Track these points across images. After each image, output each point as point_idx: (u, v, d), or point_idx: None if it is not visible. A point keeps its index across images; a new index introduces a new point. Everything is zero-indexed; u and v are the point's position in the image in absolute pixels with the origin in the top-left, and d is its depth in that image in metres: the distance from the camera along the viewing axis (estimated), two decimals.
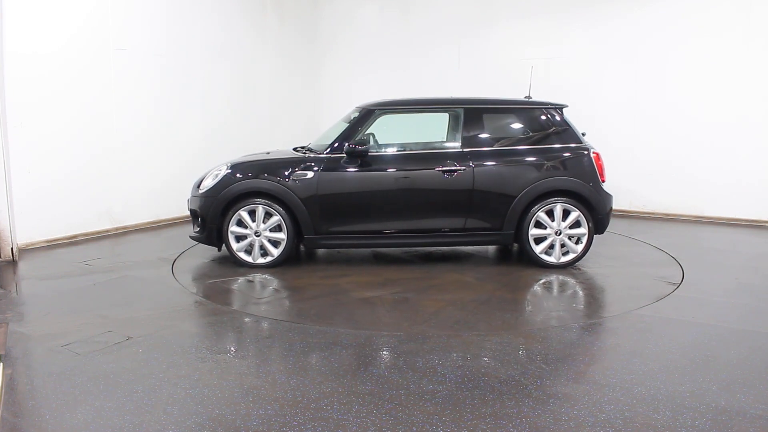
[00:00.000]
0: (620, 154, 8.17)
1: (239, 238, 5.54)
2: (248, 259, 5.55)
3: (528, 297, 4.83)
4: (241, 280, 5.24)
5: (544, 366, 3.41)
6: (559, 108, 5.70)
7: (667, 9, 7.97)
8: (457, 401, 2.97)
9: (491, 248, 6.43)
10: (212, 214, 5.48)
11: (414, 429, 2.71)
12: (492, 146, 5.59)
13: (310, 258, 6.13)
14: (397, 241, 5.66)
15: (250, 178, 5.48)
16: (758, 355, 3.55)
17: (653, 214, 8.35)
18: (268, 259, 5.54)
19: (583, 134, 5.80)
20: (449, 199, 5.47)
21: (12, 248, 5.75)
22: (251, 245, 5.54)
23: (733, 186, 7.77)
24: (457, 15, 9.39)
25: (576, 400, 3.02)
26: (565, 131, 5.62)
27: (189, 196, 5.90)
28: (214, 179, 5.59)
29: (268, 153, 6.19)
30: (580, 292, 4.98)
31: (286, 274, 5.42)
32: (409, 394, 3.04)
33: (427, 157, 5.63)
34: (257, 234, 5.50)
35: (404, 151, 5.90)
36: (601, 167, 5.55)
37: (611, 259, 5.92)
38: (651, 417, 2.81)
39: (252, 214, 5.48)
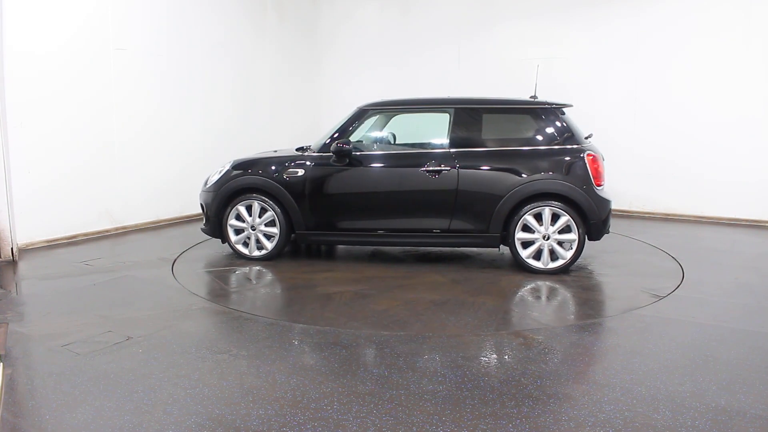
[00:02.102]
0: (621, 154, 8.16)
1: (238, 231, 5.82)
2: (245, 251, 5.83)
3: (487, 301, 4.60)
4: (226, 269, 5.44)
5: (544, 366, 3.41)
6: (556, 108, 5.51)
7: (668, 9, 7.97)
8: (457, 401, 2.97)
9: (505, 250, 6.33)
10: (215, 208, 5.80)
11: (414, 429, 2.71)
12: (480, 147, 5.49)
13: (311, 253, 6.23)
14: (383, 240, 5.71)
15: (246, 175, 5.78)
16: (758, 355, 3.55)
17: (653, 213, 8.35)
18: (263, 252, 5.77)
19: (590, 135, 5.68)
20: (434, 200, 5.44)
21: (12, 248, 5.75)
22: (248, 238, 5.80)
23: (733, 186, 7.77)
24: (457, 15, 9.39)
25: (576, 400, 3.02)
26: (560, 132, 5.40)
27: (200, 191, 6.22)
28: (217, 175, 5.92)
29: (275, 151, 6.36)
30: (548, 300, 4.79)
31: (275, 267, 5.64)
32: (409, 394, 3.04)
33: (413, 157, 5.62)
34: (253, 228, 5.77)
35: (391, 150, 5.93)
36: (596, 170, 5.28)
37: (605, 265, 5.75)
38: (651, 417, 2.81)
39: (249, 209, 5.75)
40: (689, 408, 2.89)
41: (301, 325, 4.09)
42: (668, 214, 8.25)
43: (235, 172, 5.80)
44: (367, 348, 3.67)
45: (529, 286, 5.07)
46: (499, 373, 3.31)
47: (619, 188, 7.63)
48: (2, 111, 5.74)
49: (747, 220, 7.72)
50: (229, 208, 5.77)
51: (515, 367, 3.40)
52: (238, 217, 5.78)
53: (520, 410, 2.88)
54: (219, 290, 5.01)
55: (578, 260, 5.75)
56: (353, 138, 5.77)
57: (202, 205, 6.02)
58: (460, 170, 5.37)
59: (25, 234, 6.17)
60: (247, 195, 5.74)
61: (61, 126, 6.51)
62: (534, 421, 2.78)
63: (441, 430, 2.70)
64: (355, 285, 5.08)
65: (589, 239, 5.38)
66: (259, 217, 5.73)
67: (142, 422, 2.75)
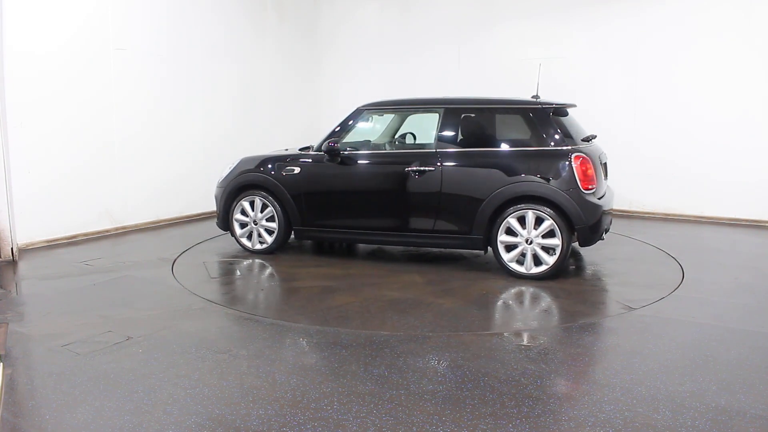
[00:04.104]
0: (621, 154, 8.13)
1: (243, 225, 6.12)
2: (248, 244, 6.13)
3: (445, 303, 4.53)
4: (223, 260, 5.84)
5: (544, 366, 3.41)
6: (547, 108, 5.26)
7: (668, 9, 7.96)
8: (457, 401, 2.97)
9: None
10: (223, 203, 6.16)
11: (414, 429, 2.71)
12: (466, 147, 5.42)
13: (320, 248, 6.49)
14: (372, 238, 5.80)
15: (248, 172, 6.05)
16: (758, 355, 3.55)
17: (653, 213, 8.34)
18: (264, 246, 6.04)
19: (592, 137, 5.54)
20: (418, 200, 5.44)
21: (12, 248, 5.75)
22: (251, 232, 6.08)
23: (733, 186, 7.76)
24: (457, 15, 9.38)
25: (576, 400, 3.02)
26: (549, 132, 5.18)
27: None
28: (227, 171, 6.24)
29: (286, 150, 6.51)
30: (504, 306, 4.62)
31: (272, 260, 5.92)
32: (409, 394, 3.04)
33: (401, 157, 5.69)
34: (255, 223, 6.04)
35: (380, 150, 6.02)
36: (584, 173, 5.00)
37: (599, 270, 5.54)
38: (651, 417, 2.81)
39: (253, 204, 6.03)
40: (689, 408, 2.89)
41: (301, 325, 4.10)
42: (668, 214, 8.24)
43: (241, 169, 6.08)
44: (367, 348, 3.67)
45: (500, 291, 4.89)
46: (499, 373, 3.31)
47: (619, 188, 7.61)
48: (2, 111, 5.74)
49: (747, 220, 7.71)
50: (235, 203, 6.07)
51: (515, 367, 3.40)
52: (243, 212, 6.06)
53: (520, 410, 2.88)
54: (202, 277, 5.33)
55: (579, 264, 5.75)
56: (350, 137, 5.87)
57: (215, 199, 6.35)
58: (443, 171, 5.33)
59: (25, 234, 6.17)
60: (251, 191, 6.01)
61: (61, 126, 6.50)
62: (534, 421, 2.78)
63: (441, 430, 2.70)
64: (330, 281, 5.20)
65: (579, 245, 5.23)
66: (261, 212, 5.98)
67: (142, 422, 2.75)
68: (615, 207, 5.80)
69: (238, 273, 5.56)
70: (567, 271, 5.43)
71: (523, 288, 4.98)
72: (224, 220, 6.17)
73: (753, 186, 7.65)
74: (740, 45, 7.55)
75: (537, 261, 5.13)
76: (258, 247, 6.05)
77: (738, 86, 7.62)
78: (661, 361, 3.47)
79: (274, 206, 5.90)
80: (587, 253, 6.05)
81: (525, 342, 3.82)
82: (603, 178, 5.40)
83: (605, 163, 5.68)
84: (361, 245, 6.53)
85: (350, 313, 4.33)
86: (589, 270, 5.59)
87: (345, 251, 6.39)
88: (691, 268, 5.51)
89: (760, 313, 4.36)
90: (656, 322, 4.14)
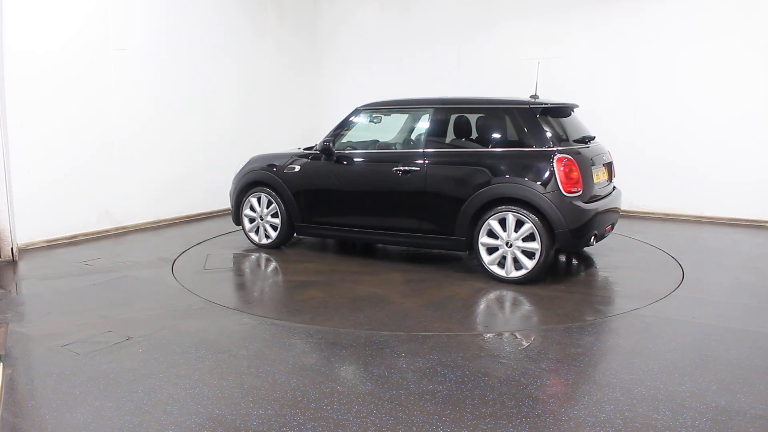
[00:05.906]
0: (621, 154, 8.11)
1: (252, 220, 6.40)
2: (256, 238, 6.39)
3: (406, 302, 4.52)
4: (225, 253, 6.17)
5: (544, 366, 3.41)
6: (535, 109, 5.11)
7: (668, 9, 7.95)
8: (457, 401, 2.97)
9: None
10: (235, 199, 6.47)
11: (414, 429, 2.71)
12: (450, 147, 5.39)
13: (325, 244, 6.64)
14: (362, 236, 5.87)
15: (255, 170, 6.30)
16: (758, 355, 3.55)
17: (653, 213, 8.34)
18: (269, 240, 6.29)
19: (589, 138, 5.45)
20: (404, 199, 5.45)
21: (12, 248, 5.75)
22: (258, 228, 6.35)
23: (733, 186, 7.76)
24: (457, 15, 9.38)
25: (576, 400, 3.02)
26: (534, 133, 5.02)
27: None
28: (239, 169, 6.50)
29: (298, 149, 6.57)
30: (460, 309, 4.42)
31: (275, 254, 6.16)
32: (409, 394, 3.04)
33: (390, 156, 5.70)
34: (261, 218, 6.29)
35: (372, 150, 6.00)
36: (566, 175, 4.81)
37: (591, 274, 5.47)
38: (651, 417, 2.81)
39: (259, 200, 6.27)
40: (689, 408, 2.89)
41: (301, 324, 4.10)
42: (668, 214, 8.24)
43: (250, 167, 6.35)
44: (367, 348, 3.67)
45: (470, 294, 4.80)
46: (499, 373, 3.31)
47: (618, 188, 7.62)
48: (2, 111, 5.74)
49: (747, 220, 7.71)
50: (244, 199, 6.35)
51: (515, 367, 3.40)
52: (252, 208, 6.34)
53: (520, 410, 2.88)
54: (197, 270, 5.54)
55: (573, 266, 5.73)
56: (356, 137, 5.92)
57: (229, 195, 6.64)
58: (428, 171, 5.31)
59: (25, 234, 6.17)
60: (258, 188, 6.25)
61: (61, 126, 6.50)
62: (534, 421, 2.78)
63: (441, 430, 2.70)
64: (312, 275, 5.37)
65: (562, 250, 5.06)
66: (267, 208, 6.22)
67: (142, 422, 2.76)
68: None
69: (232, 266, 5.82)
70: (557, 273, 5.43)
71: (498, 292, 4.86)
72: (236, 215, 6.46)
73: (753, 186, 7.65)
74: (740, 45, 7.54)
75: (519, 265, 4.99)
76: (264, 241, 6.29)
77: (738, 86, 7.61)
78: (661, 361, 3.47)
79: (277, 203, 6.10)
80: (588, 254, 6.04)
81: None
82: (593, 181, 5.13)
83: (610, 163, 5.63)
84: (378, 244, 6.53)
85: (306, 308, 4.41)
86: (581, 273, 5.58)
87: (356, 250, 6.42)
88: (692, 268, 5.50)
89: (760, 313, 4.36)
90: (656, 322, 4.14)
